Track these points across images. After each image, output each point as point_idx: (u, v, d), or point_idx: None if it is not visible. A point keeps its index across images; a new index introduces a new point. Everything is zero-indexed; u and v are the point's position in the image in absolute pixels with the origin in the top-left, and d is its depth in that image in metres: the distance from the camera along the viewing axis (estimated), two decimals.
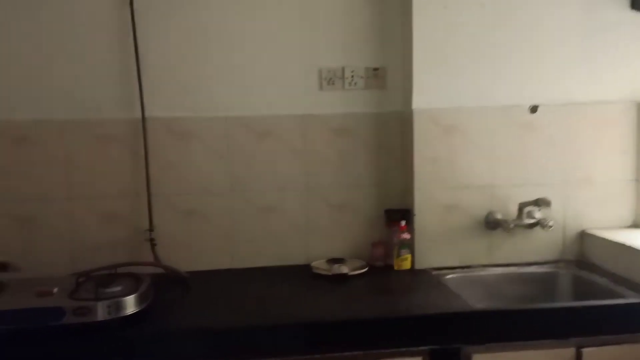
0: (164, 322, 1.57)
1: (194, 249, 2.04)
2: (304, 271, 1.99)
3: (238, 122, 2.02)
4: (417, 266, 2.01)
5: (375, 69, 2.06)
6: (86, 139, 1.96)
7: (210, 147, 2.02)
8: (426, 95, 1.97)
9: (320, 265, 2.01)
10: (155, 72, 1.96)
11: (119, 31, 1.93)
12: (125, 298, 1.53)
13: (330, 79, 2.04)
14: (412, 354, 1.55)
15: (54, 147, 1.95)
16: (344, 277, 1.91)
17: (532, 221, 1.97)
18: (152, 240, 1.97)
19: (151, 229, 1.98)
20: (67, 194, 1.97)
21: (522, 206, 1.98)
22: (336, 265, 1.96)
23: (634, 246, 1.85)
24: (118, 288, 1.59)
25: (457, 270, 1.99)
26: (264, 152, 2.04)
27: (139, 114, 1.95)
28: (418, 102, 1.97)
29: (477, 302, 1.70)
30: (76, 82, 1.94)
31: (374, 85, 2.06)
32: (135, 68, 1.93)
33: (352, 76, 2.04)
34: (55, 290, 1.57)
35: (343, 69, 2.04)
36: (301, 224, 2.08)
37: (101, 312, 1.48)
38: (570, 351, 1.60)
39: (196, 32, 1.98)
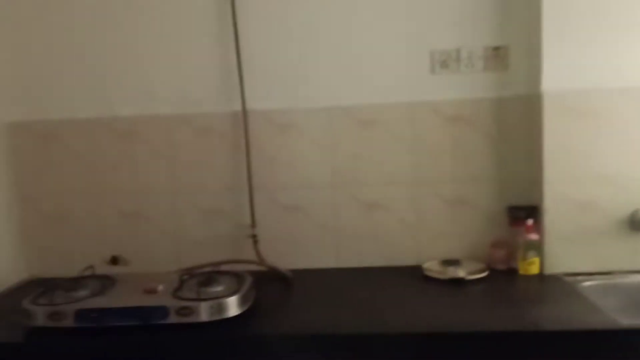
0: (266, 326, 1.51)
1: (296, 246, 1.97)
2: (414, 273, 1.84)
3: (341, 111, 1.91)
4: (547, 271, 1.78)
5: (496, 48, 1.85)
6: (189, 133, 1.95)
7: (312, 139, 1.93)
8: (557, 75, 1.73)
9: (432, 267, 1.84)
10: (256, 64, 1.90)
11: (219, 24, 1.89)
12: (227, 299, 1.49)
13: (444, 62, 1.86)
14: None
15: (159, 141, 1.96)
16: (460, 281, 1.73)
17: None
18: (254, 236, 1.93)
19: (253, 225, 1.93)
20: (171, 189, 1.97)
21: None
22: (451, 268, 1.78)
23: None
24: (220, 287, 1.57)
25: (595, 276, 1.73)
26: (369, 144, 1.92)
27: (239, 107, 1.91)
28: (548, 83, 1.73)
29: (620, 314, 1.45)
30: (179, 77, 1.93)
31: (494, 66, 1.85)
32: (235, 60, 1.89)
33: (469, 57, 1.85)
34: (159, 287, 1.58)
35: (458, 50, 1.85)
36: (411, 221, 1.93)
37: (204, 312, 1.46)
38: None
39: (296, 20, 1.89)
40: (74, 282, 1.63)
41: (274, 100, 1.92)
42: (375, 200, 1.93)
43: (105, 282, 1.65)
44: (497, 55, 1.84)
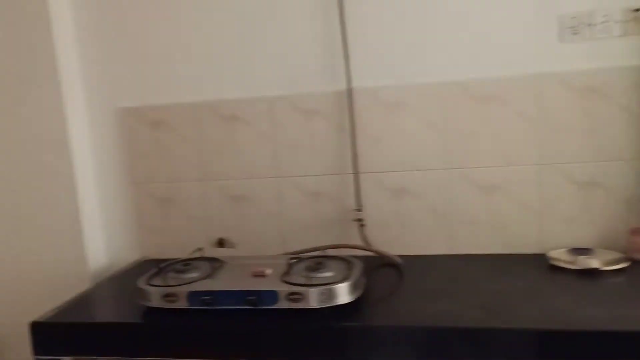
0: (379, 315, 1.43)
1: (405, 231, 1.87)
2: (538, 262, 1.68)
3: (455, 87, 1.77)
4: None
5: (637, 10, 1.63)
6: (293, 115, 1.90)
7: (422, 118, 1.81)
8: None
9: (560, 255, 1.67)
10: (362, 39, 1.81)
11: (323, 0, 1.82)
12: (338, 285, 1.42)
13: (574, 28, 1.67)
14: None
15: (262, 123, 1.93)
16: (594, 272, 1.55)
17: None
18: (360, 220, 1.86)
19: (359, 209, 1.86)
20: (275, 171, 1.94)
21: None
22: (582, 257, 1.60)
23: None
24: (330, 273, 1.50)
25: None
26: (487, 121, 1.77)
27: (344, 86, 1.83)
28: None
29: None
30: (282, 57, 1.88)
31: (635, 31, 1.64)
32: (340, 37, 1.81)
33: (605, 21, 1.65)
34: (268, 271, 1.55)
35: (592, 14, 1.66)
36: (534, 205, 1.77)
37: (314, 299, 1.40)
38: None
39: None
40: (185, 264, 1.64)
41: (381, 77, 1.82)
42: (493, 183, 1.79)
43: (214, 264, 1.65)
44: (639, 18, 1.63)
